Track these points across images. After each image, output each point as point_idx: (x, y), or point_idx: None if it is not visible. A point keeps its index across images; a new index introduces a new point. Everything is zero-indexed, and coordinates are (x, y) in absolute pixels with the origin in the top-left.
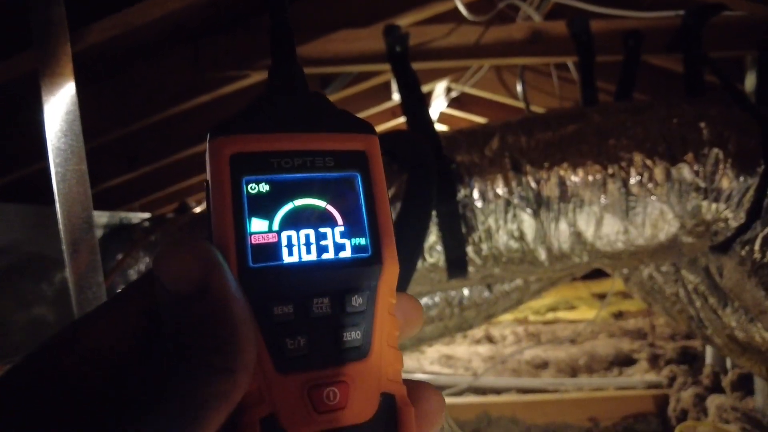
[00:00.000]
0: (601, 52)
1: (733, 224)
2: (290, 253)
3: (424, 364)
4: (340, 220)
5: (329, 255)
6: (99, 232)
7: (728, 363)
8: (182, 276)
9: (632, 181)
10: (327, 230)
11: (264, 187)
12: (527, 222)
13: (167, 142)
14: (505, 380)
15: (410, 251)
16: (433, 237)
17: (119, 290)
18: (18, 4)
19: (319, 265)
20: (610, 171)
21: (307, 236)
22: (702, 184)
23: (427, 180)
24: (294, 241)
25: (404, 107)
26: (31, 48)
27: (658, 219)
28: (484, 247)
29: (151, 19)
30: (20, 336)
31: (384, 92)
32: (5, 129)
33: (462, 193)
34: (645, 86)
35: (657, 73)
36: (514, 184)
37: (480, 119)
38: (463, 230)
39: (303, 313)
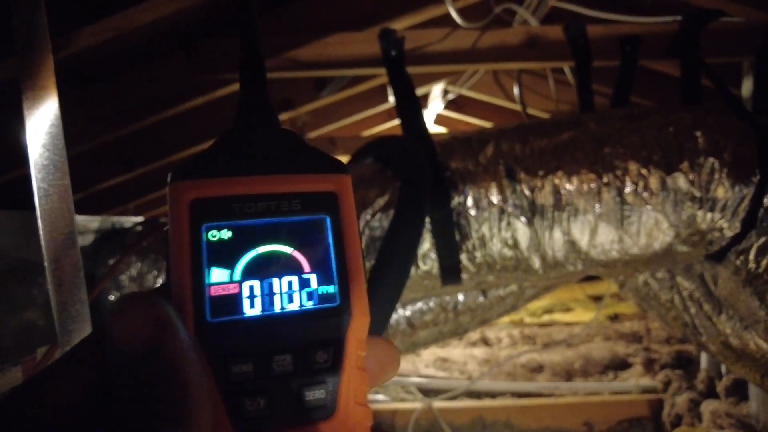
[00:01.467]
0: (598, 57)
1: (728, 234)
2: (252, 305)
3: (419, 366)
4: (306, 267)
5: (294, 306)
6: (90, 237)
7: (723, 368)
8: (133, 335)
9: (627, 189)
10: (292, 279)
11: (225, 234)
12: (521, 230)
13: (162, 144)
14: (500, 384)
15: (403, 259)
16: (426, 244)
17: (78, 342)
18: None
19: (282, 318)
20: (605, 180)
21: (270, 286)
22: (697, 194)
23: (421, 188)
24: (256, 291)
25: (399, 112)
26: (13, 55)
27: (653, 228)
28: (478, 254)
29: (143, 23)
30: (10, 341)
31: (380, 94)
32: None
33: (456, 200)
34: (643, 90)
35: (656, 78)
36: (508, 192)
37: (476, 121)
38: (457, 238)
39: (263, 370)
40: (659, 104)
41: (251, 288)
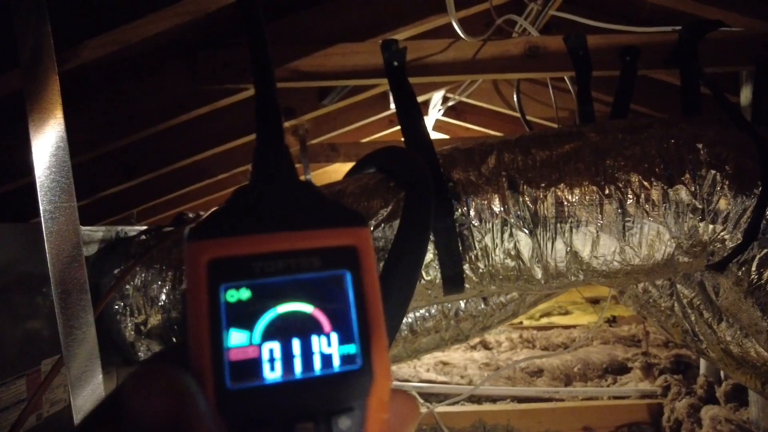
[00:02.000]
0: (598, 67)
1: (730, 245)
2: (272, 369)
3: (419, 371)
4: (327, 326)
5: (315, 369)
6: (94, 247)
7: (722, 374)
8: (152, 410)
9: (629, 201)
10: (313, 339)
11: (244, 294)
12: (524, 241)
13: (165, 153)
14: (500, 389)
15: (410, 273)
16: (429, 254)
17: (95, 408)
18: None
19: (303, 383)
20: (606, 191)
21: (291, 348)
22: (699, 205)
23: (426, 200)
24: (276, 354)
25: (401, 122)
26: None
27: (654, 240)
28: (481, 265)
29: (146, 36)
30: (15, 351)
31: (381, 102)
32: None
33: (459, 211)
34: (643, 99)
35: (655, 86)
36: (510, 203)
37: (476, 128)
38: (460, 248)
39: None
40: (659, 113)
41: (271, 351)
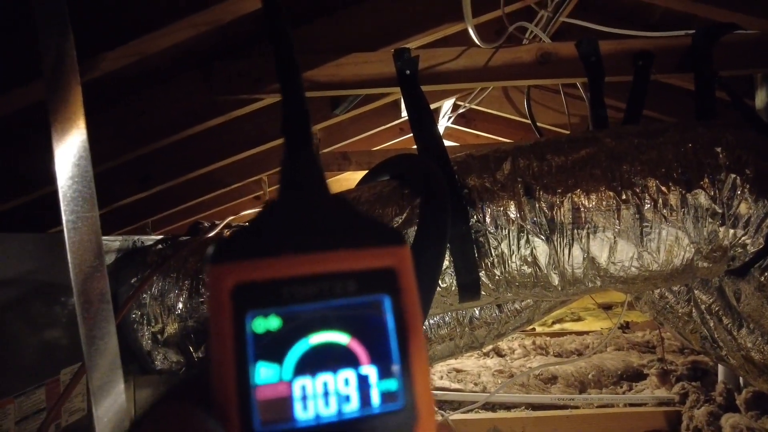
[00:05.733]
0: (611, 72)
1: (752, 249)
2: (305, 408)
3: (433, 378)
4: (365, 359)
5: (352, 407)
6: (112, 256)
7: (741, 380)
8: None
9: (646, 206)
10: (349, 375)
11: (274, 323)
12: (540, 247)
13: (180, 163)
14: (515, 396)
15: (428, 281)
16: (445, 262)
17: None
18: (25, 33)
19: (339, 425)
20: (623, 196)
21: (326, 384)
22: (719, 210)
23: (442, 207)
24: (309, 391)
25: (414, 130)
26: (40, 78)
27: (673, 245)
28: (497, 272)
29: (163, 48)
30: (34, 362)
31: (392, 110)
32: (14, 155)
33: (474, 218)
34: (656, 105)
35: (669, 92)
36: (527, 209)
37: (486, 135)
38: (476, 255)
39: None
40: (671, 119)
41: (303, 388)
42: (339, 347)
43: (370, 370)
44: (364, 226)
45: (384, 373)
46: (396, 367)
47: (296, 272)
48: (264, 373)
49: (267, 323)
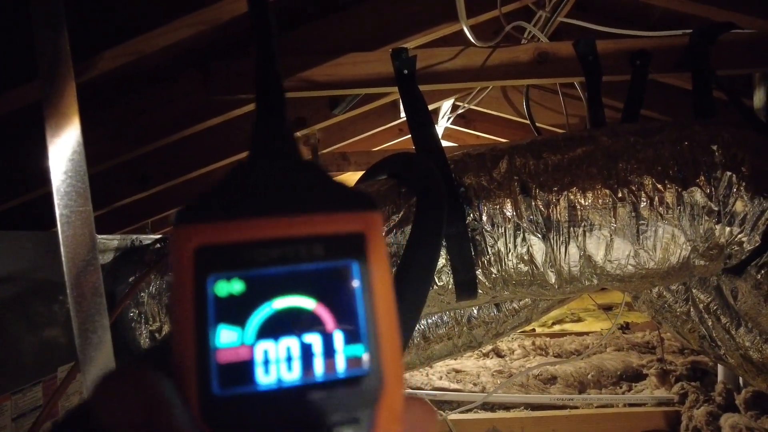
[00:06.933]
0: (608, 71)
1: (748, 247)
2: (266, 372)
3: (432, 378)
4: (331, 324)
5: (316, 372)
6: (110, 255)
7: (741, 380)
8: (121, 416)
9: (642, 204)
10: (314, 339)
11: (237, 287)
12: (537, 246)
13: (178, 163)
14: (514, 396)
15: (422, 277)
16: (441, 260)
17: (63, 416)
18: (24, 35)
19: (302, 389)
20: (619, 195)
21: (289, 349)
22: (715, 208)
23: (438, 205)
24: (272, 355)
25: (412, 129)
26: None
27: (669, 243)
28: (494, 270)
29: (162, 46)
30: (32, 360)
31: (391, 111)
32: (13, 154)
33: (471, 216)
34: (654, 104)
35: (666, 91)
36: (523, 207)
37: (485, 135)
38: (472, 253)
39: None
40: (671, 118)
41: (266, 352)
42: (304, 312)
43: (335, 336)
44: (335, 190)
45: (350, 339)
46: (362, 333)
47: (261, 235)
48: (225, 336)
49: (230, 287)
